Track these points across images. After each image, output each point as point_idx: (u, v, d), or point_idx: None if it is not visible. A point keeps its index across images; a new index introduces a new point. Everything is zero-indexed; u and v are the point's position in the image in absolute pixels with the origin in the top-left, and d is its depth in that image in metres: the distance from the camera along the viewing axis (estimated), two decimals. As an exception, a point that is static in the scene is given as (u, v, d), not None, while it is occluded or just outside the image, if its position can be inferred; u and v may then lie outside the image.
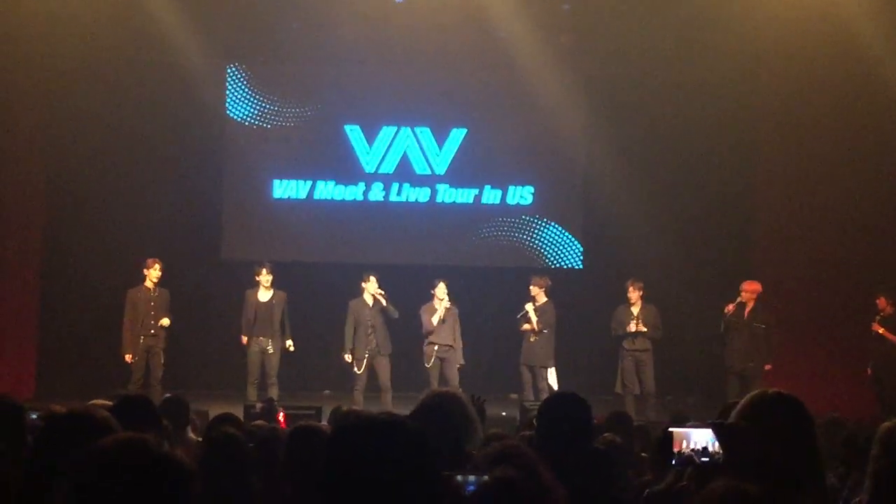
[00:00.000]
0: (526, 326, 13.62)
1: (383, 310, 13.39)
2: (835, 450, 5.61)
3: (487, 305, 15.00)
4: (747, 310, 13.42)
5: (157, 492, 2.21)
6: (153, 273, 13.21)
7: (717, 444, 2.93)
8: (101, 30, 14.23)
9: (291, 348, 13.49)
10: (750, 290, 13.47)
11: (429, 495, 2.27)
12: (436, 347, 13.41)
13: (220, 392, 13.52)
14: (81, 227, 14.87)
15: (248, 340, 13.42)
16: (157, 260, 13.25)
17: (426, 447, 2.31)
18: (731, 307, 13.40)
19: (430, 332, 13.43)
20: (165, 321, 13.17)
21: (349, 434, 2.41)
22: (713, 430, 2.90)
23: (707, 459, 2.91)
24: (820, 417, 7.30)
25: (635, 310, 13.54)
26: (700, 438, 2.93)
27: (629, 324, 13.47)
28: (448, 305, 13.48)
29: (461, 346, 13.60)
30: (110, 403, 5.21)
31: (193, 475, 2.26)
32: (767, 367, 13.23)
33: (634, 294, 13.54)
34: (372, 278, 13.45)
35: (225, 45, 15.23)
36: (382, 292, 13.39)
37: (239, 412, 9.78)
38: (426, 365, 13.41)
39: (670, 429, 2.84)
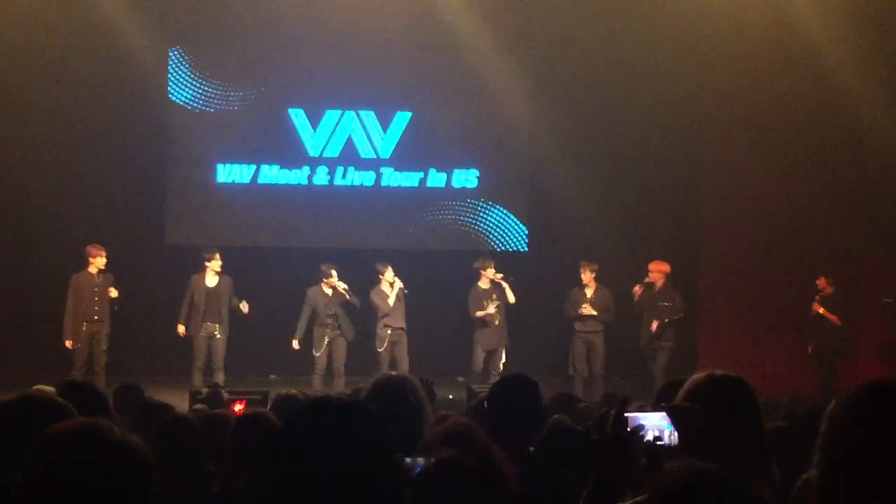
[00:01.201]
0: (490, 311, 13.48)
1: (345, 301, 13.32)
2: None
3: (433, 288, 14.98)
4: (656, 290, 13.54)
5: (112, 479, 2.16)
6: (99, 261, 13.03)
7: (667, 431, 2.94)
8: (41, 12, 14.02)
9: (246, 309, 13.28)
10: (657, 269, 13.60)
11: (386, 478, 2.25)
12: (389, 331, 13.36)
13: (165, 378, 13.39)
14: (20, 213, 14.63)
15: (193, 327, 13.26)
16: (101, 248, 13.06)
17: (383, 430, 2.28)
18: (638, 288, 13.53)
19: (386, 315, 13.35)
20: (113, 291, 13.00)
21: (303, 418, 2.33)
22: (668, 413, 2.91)
23: (661, 443, 2.92)
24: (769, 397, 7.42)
25: (589, 292, 13.59)
26: (653, 425, 2.94)
27: (581, 306, 13.52)
28: (402, 286, 13.44)
29: None
30: (53, 389, 5.13)
31: (150, 461, 2.23)
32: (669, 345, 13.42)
33: (587, 276, 13.58)
34: (333, 272, 13.33)
35: (167, 28, 15.06)
36: (346, 286, 13.29)
37: (185, 398, 9.76)
38: (378, 349, 13.35)
39: (626, 414, 2.84)
